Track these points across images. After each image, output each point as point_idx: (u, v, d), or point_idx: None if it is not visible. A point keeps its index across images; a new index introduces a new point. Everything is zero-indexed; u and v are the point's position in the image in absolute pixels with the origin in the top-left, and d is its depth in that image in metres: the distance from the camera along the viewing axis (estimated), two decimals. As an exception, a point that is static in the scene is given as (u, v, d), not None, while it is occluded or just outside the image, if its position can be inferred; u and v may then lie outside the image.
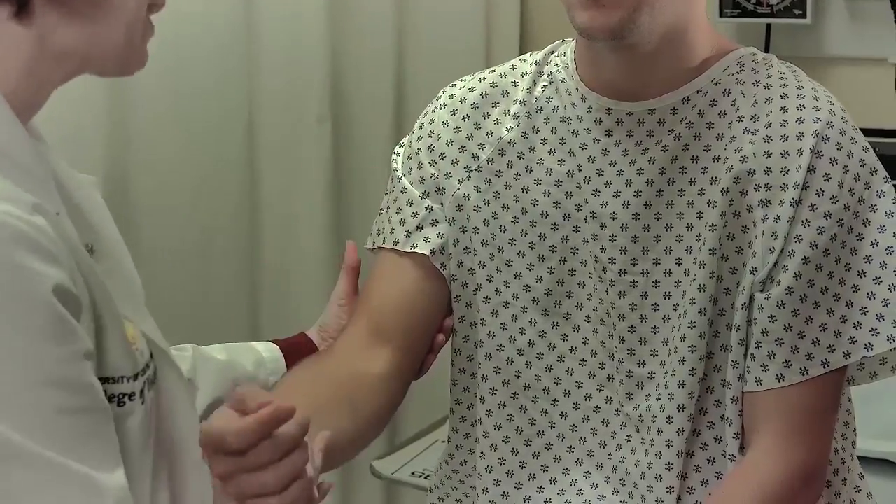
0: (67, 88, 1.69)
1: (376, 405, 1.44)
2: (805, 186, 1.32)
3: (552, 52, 1.48)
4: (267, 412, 1.06)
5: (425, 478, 1.89)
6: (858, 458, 1.49)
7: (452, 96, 1.50)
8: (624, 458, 1.42)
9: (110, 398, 1.02)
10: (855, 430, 1.48)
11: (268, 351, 1.49)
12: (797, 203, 1.32)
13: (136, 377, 1.03)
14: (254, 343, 1.52)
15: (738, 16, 2.32)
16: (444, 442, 1.57)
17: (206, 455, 1.08)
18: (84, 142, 1.80)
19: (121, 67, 1.10)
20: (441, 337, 1.49)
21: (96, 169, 1.80)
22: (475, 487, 1.49)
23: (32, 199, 0.97)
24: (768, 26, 2.31)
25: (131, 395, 1.03)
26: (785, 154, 1.33)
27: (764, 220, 1.33)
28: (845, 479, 1.44)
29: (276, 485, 1.08)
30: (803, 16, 2.27)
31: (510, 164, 1.45)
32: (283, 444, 1.08)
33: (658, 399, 1.39)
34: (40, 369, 0.93)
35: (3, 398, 0.91)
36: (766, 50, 2.29)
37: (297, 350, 1.50)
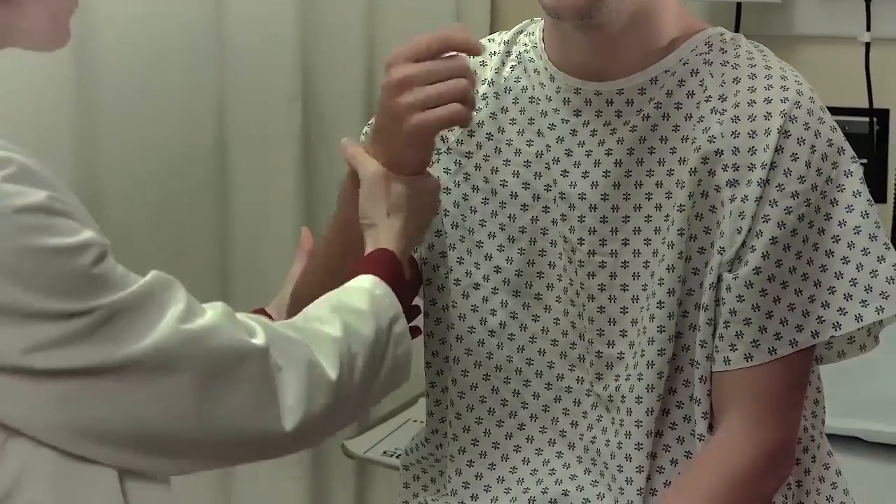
0: (34, 67, 1.69)
1: None
2: (772, 166, 1.32)
3: (520, 32, 1.47)
4: (463, 35, 1.29)
5: (397, 457, 1.89)
6: (827, 435, 1.50)
7: None
8: (595, 437, 1.43)
9: None
10: (824, 408, 1.48)
11: None
12: (765, 183, 1.32)
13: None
14: None
15: (709, -6, 2.33)
16: (415, 421, 1.58)
17: (393, 64, 1.28)
18: (52, 123, 1.79)
19: (44, 44, 1.12)
20: (415, 330, 1.49)
21: (65, 150, 1.79)
22: (448, 468, 1.49)
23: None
24: (738, 5, 2.31)
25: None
26: (752, 134, 1.33)
27: (732, 200, 1.34)
28: (815, 457, 1.45)
29: (460, 91, 1.27)
30: (774, -6, 2.27)
31: (479, 145, 1.45)
32: (459, 64, 1.28)
33: (627, 379, 1.39)
34: (77, 251, 1.02)
35: (66, 283, 1.01)
36: (737, 29, 2.29)
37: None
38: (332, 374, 1.16)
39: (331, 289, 1.28)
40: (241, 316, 1.13)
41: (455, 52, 1.30)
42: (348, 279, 1.28)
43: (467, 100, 1.29)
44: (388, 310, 1.25)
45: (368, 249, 1.31)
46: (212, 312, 1.10)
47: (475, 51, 1.31)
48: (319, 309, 1.22)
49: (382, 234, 1.31)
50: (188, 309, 1.08)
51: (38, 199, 1.00)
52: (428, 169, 1.37)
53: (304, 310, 1.23)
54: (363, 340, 1.20)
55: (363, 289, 1.25)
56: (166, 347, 1.04)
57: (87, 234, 1.03)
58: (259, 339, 1.11)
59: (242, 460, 1.18)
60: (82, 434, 1.03)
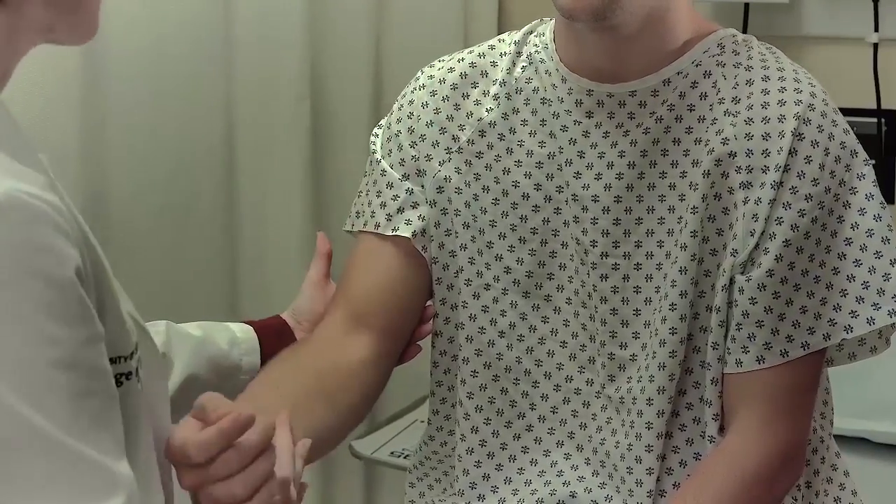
0: (41, 67, 1.69)
1: (357, 392, 1.44)
2: (786, 169, 1.32)
3: (531, 32, 1.47)
4: (227, 422, 1.05)
5: (405, 457, 1.89)
6: (835, 436, 1.50)
7: (431, 77, 1.49)
8: (604, 439, 1.42)
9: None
10: (833, 409, 1.48)
11: (242, 331, 1.49)
12: (778, 185, 1.32)
13: (131, 356, 1.02)
14: (228, 323, 1.51)
15: (716, -5, 2.33)
16: (423, 422, 1.57)
17: (175, 467, 1.08)
18: (58, 122, 1.78)
19: (77, 37, 1.08)
20: (426, 327, 1.49)
21: (72, 150, 1.79)
22: (455, 468, 1.49)
23: (42, 176, 0.95)
24: (746, 6, 2.30)
25: (128, 375, 1.01)
26: (766, 136, 1.33)
27: (745, 203, 1.33)
28: (823, 458, 1.45)
29: (244, 492, 1.07)
30: (781, -5, 2.27)
31: (490, 146, 1.45)
32: (246, 452, 1.07)
33: (639, 381, 1.39)
34: (63, 351, 0.90)
35: (26, 380, 0.88)
36: (744, 30, 2.29)
37: (271, 331, 1.50)
38: None
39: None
40: None
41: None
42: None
43: (261, 485, 1.10)
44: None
45: None
46: None
47: (243, 431, 1.08)
48: None
49: None
50: None
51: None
52: (438, 170, 1.36)
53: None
54: None
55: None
56: None
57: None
58: None
59: None
60: None
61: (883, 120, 2.25)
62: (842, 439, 1.58)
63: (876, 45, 2.24)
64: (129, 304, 1.11)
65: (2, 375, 0.88)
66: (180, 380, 1.39)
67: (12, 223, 0.89)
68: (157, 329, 1.42)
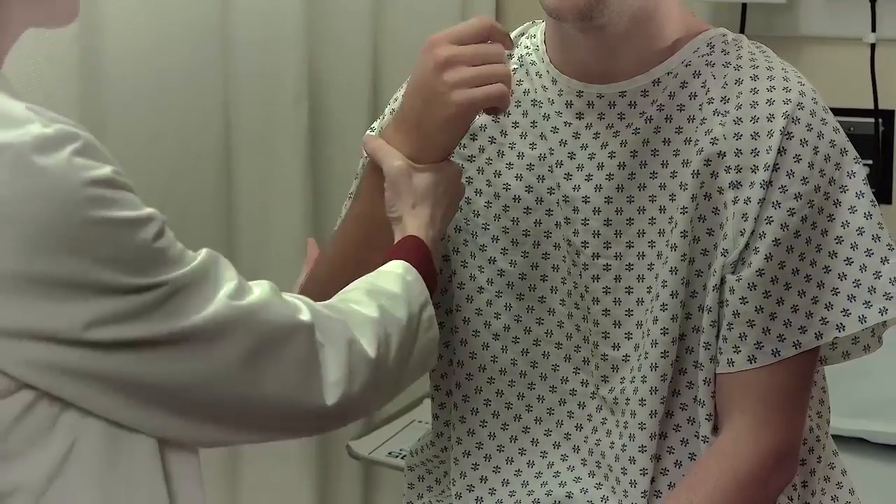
0: (39, 67, 1.70)
1: None
2: (775, 168, 1.32)
3: (522, 35, 1.47)
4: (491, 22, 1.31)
5: (402, 458, 1.90)
6: (833, 436, 1.50)
7: None
8: (599, 440, 1.43)
9: None
10: (829, 409, 1.48)
11: None
12: (767, 185, 1.32)
13: None
14: None
15: (714, -5, 2.33)
16: (420, 422, 1.58)
17: (433, 43, 1.30)
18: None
19: (57, 22, 1.16)
20: None
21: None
22: (452, 471, 1.49)
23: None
24: (744, 6, 2.31)
25: None
26: (755, 135, 1.33)
27: (734, 202, 1.34)
28: (820, 457, 1.45)
29: (501, 73, 1.29)
30: (779, -5, 2.28)
31: (482, 149, 1.45)
32: (503, 51, 1.31)
33: (632, 382, 1.39)
34: (138, 225, 1.04)
35: (126, 257, 1.03)
36: (742, 30, 2.29)
37: None
38: (371, 352, 1.19)
39: (349, 282, 1.30)
40: (285, 295, 1.17)
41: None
42: (372, 270, 1.31)
43: (509, 84, 1.31)
44: (418, 296, 1.28)
45: (397, 239, 1.33)
46: (259, 290, 1.13)
47: (511, 46, 1.35)
48: (355, 292, 1.25)
49: (410, 225, 1.33)
50: (239, 286, 1.10)
51: (105, 172, 1.03)
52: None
53: (340, 292, 1.26)
54: (397, 323, 1.23)
55: (396, 273, 1.28)
56: (220, 321, 1.07)
57: (148, 209, 1.06)
58: (305, 316, 1.14)
59: (284, 432, 1.21)
60: (134, 403, 1.06)
61: (880, 120, 2.25)
62: (839, 439, 1.58)
63: (873, 46, 2.24)
64: None
65: (107, 265, 1.03)
66: None
67: (72, 148, 1.02)
68: None
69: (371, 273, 1.29)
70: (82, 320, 1.02)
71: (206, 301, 1.07)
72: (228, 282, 1.10)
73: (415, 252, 1.31)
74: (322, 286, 1.36)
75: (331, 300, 1.24)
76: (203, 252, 1.11)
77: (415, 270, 1.29)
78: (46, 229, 0.99)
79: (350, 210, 1.45)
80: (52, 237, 1.00)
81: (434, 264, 1.33)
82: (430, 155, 1.33)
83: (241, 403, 1.11)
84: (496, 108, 1.32)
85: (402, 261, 1.30)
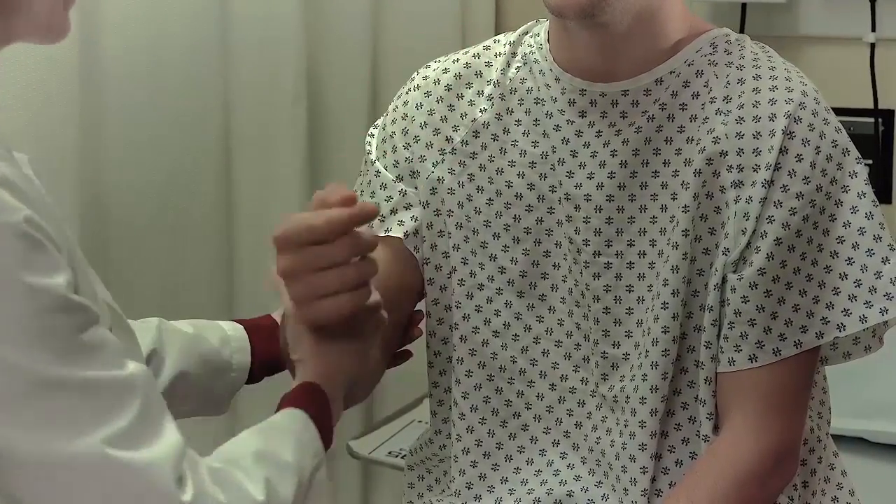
0: (38, 68, 1.70)
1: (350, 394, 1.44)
2: (777, 167, 1.32)
3: (526, 33, 1.48)
4: (357, 207, 1.09)
5: (402, 457, 1.90)
6: (833, 436, 1.50)
7: (426, 78, 1.49)
8: (599, 439, 1.43)
9: None
10: (830, 409, 1.48)
11: (233, 329, 1.49)
12: (769, 184, 1.32)
13: None
14: (219, 321, 1.51)
15: (714, -5, 2.33)
16: (420, 421, 1.58)
17: (278, 249, 1.11)
18: (56, 124, 1.79)
19: (43, 38, 1.10)
20: (414, 331, 1.49)
21: (70, 151, 1.79)
22: (451, 469, 1.49)
23: None
24: (744, 6, 2.31)
25: None
26: (757, 135, 1.34)
27: (736, 201, 1.34)
28: (821, 458, 1.45)
29: (350, 281, 1.11)
30: (779, -5, 2.28)
31: (484, 146, 1.45)
32: (361, 243, 1.11)
33: (632, 380, 1.39)
34: (47, 297, 0.95)
35: (14, 332, 0.93)
36: (742, 29, 2.29)
37: (262, 330, 1.50)
38: None
39: None
40: (193, 454, 1.03)
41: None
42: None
43: (358, 287, 1.16)
44: (312, 459, 1.17)
45: (297, 382, 1.22)
46: (158, 449, 0.99)
47: (369, 218, 1.15)
48: (245, 456, 1.12)
49: (309, 370, 1.22)
50: (132, 432, 0.97)
51: (14, 218, 0.94)
52: (431, 171, 1.36)
53: (230, 450, 1.13)
54: (284, 499, 1.12)
55: (291, 432, 1.16)
56: (81, 465, 0.95)
57: (64, 277, 0.96)
58: (186, 496, 1.00)
59: None
60: None
61: (880, 120, 2.25)
62: (840, 439, 1.59)
63: (873, 45, 2.24)
64: (107, 295, 1.12)
65: None
66: (171, 376, 1.40)
67: None
68: (149, 325, 1.43)
69: (266, 425, 1.16)
70: None
71: (84, 428, 0.95)
72: (122, 420, 0.96)
73: (314, 402, 1.19)
74: None
75: (222, 461, 1.10)
76: (137, 369, 0.99)
77: (313, 427, 1.17)
78: None
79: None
80: None
81: (332, 414, 1.21)
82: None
83: None
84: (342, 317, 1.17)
85: (300, 412, 1.17)
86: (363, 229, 1.13)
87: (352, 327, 1.19)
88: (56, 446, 0.94)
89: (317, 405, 1.19)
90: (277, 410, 1.18)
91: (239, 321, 1.52)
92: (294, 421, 1.17)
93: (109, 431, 0.95)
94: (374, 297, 1.18)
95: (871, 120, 2.25)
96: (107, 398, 0.97)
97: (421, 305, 1.51)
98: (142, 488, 0.97)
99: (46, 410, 0.94)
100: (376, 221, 1.46)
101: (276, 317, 1.55)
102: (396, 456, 1.95)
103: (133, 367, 1.00)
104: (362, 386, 1.30)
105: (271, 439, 1.14)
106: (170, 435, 1.01)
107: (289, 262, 1.13)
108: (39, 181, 1.11)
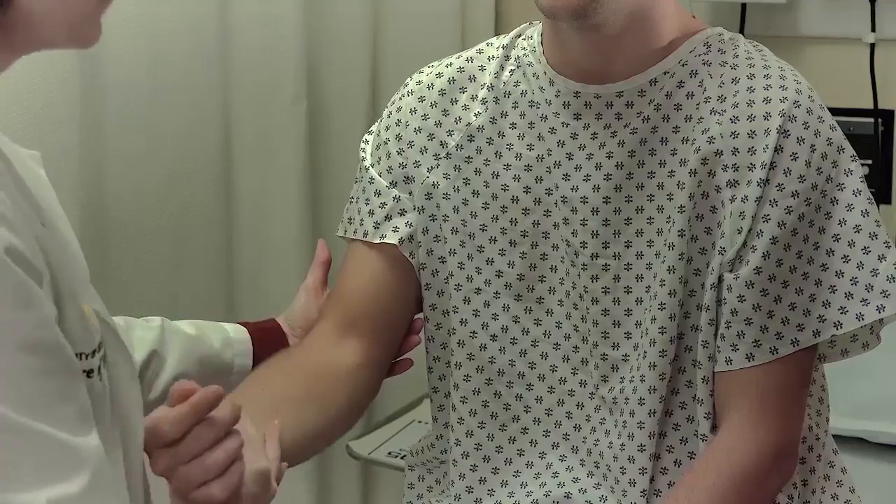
0: (39, 69, 1.70)
1: (346, 397, 1.44)
2: (772, 166, 1.33)
3: (519, 36, 1.47)
4: (197, 398, 1.07)
5: (402, 458, 1.90)
6: (832, 436, 1.50)
7: (420, 83, 1.49)
8: (598, 440, 1.43)
9: None
10: (829, 407, 1.48)
11: (235, 332, 1.50)
12: (764, 183, 1.32)
13: (93, 354, 1.02)
14: (223, 323, 1.52)
15: (713, -5, 2.34)
16: (420, 422, 1.58)
17: (147, 453, 1.09)
18: (57, 125, 1.79)
19: (77, 42, 1.09)
20: (413, 339, 1.50)
21: (70, 152, 1.80)
22: (451, 472, 1.49)
23: None
24: (743, 6, 2.31)
25: (89, 372, 1.01)
26: (752, 134, 1.34)
27: (732, 201, 1.34)
28: (820, 456, 1.45)
29: (215, 468, 1.08)
30: (778, -5, 2.28)
31: (479, 150, 1.45)
32: (217, 425, 1.08)
33: (631, 381, 1.39)
34: (13, 334, 0.90)
35: None
36: (741, 30, 2.29)
37: (265, 334, 1.50)
38: None
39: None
40: None
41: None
42: None
43: (226, 469, 1.11)
44: None
45: None
46: None
47: (213, 403, 1.10)
48: None
49: None
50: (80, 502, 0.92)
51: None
52: (426, 176, 1.36)
53: None
54: None
55: None
56: None
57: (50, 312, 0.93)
58: None
59: None
60: None
61: (880, 120, 2.25)
62: (839, 439, 1.58)
63: (873, 46, 2.24)
64: (99, 303, 1.11)
65: None
66: (170, 377, 1.40)
67: None
68: (152, 324, 1.43)
69: None
70: None
71: (28, 483, 0.89)
72: (67, 488, 0.91)
73: None
74: None
75: None
76: (92, 443, 0.94)
77: None
78: None
79: None
80: None
81: None
82: None
83: None
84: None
85: None
86: (219, 409, 1.09)
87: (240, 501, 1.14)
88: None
89: None
90: None
91: (243, 323, 1.52)
92: None
93: (55, 495, 0.90)
94: (259, 465, 1.13)
95: (871, 120, 2.25)
96: (56, 460, 0.91)
97: (419, 312, 1.51)
98: None
99: None
100: (371, 229, 1.47)
101: (280, 321, 1.55)
102: (396, 456, 1.95)
103: (91, 439, 0.94)
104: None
105: None
106: None
107: (157, 461, 1.09)
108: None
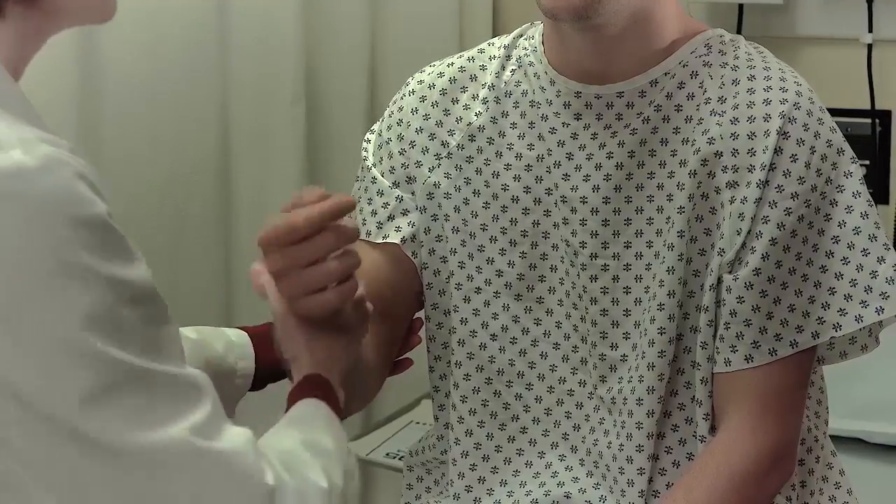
0: (37, 69, 1.70)
1: (349, 394, 1.44)
2: (772, 167, 1.33)
3: (520, 36, 1.48)
4: (333, 200, 1.13)
5: (400, 459, 1.90)
6: (831, 437, 1.50)
7: (421, 82, 1.50)
8: (597, 440, 1.43)
9: None
10: (827, 408, 1.49)
11: (237, 336, 1.49)
12: (764, 184, 1.32)
13: None
14: (223, 328, 1.52)
15: (711, -4, 2.34)
16: (418, 423, 1.58)
17: (264, 251, 1.16)
18: (54, 125, 1.79)
19: (99, 16, 1.14)
20: (414, 339, 1.50)
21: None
22: (450, 471, 1.49)
23: (68, 143, 1.01)
24: (740, 6, 2.31)
25: None
26: (752, 135, 1.34)
27: (731, 202, 1.34)
28: (818, 457, 1.45)
29: (336, 274, 1.15)
30: (775, -4, 2.28)
31: (480, 150, 1.45)
32: (344, 235, 1.14)
33: (629, 382, 1.39)
34: (126, 288, 0.97)
35: (98, 320, 0.95)
36: (739, 30, 2.29)
37: (265, 337, 1.50)
38: None
39: None
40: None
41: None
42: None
43: (343, 281, 1.18)
44: (346, 446, 1.20)
45: (296, 378, 1.23)
46: (235, 438, 1.02)
47: (346, 209, 1.16)
48: (295, 446, 1.14)
49: (305, 363, 1.23)
50: (209, 422, 1.01)
51: (95, 211, 0.97)
52: (428, 176, 1.36)
53: (276, 442, 1.14)
54: (337, 489, 1.15)
55: (320, 421, 1.18)
56: (171, 453, 0.98)
57: (144, 270, 1.00)
58: (269, 479, 1.04)
59: None
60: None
61: (877, 120, 2.25)
62: (837, 440, 1.58)
63: (870, 46, 2.24)
64: None
65: (84, 325, 0.94)
66: None
67: (59, 179, 0.96)
68: None
69: (294, 418, 1.17)
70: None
71: (165, 421, 0.98)
72: (199, 413, 1.00)
73: (321, 390, 1.20)
74: None
75: (281, 453, 1.11)
76: (198, 370, 1.03)
77: (333, 414, 1.19)
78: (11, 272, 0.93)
79: None
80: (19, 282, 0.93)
81: (338, 400, 1.22)
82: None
83: None
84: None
85: (317, 401, 1.19)
86: (344, 221, 1.17)
87: (340, 320, 1.22)
88: (145, 436, 0.96)
89: (324, 392, 1.22)
90: (289, 406, 1.21)
91: (243, 328, 1.52)
92: (318, 409, 1.19)
93: (190, 423, 0.99)
94: (359, 289, 1.22)
95: (869, 121, 2.25)
96: (183, 393, 1.00)
97: (420, 312, 1.51)
98: (230, 475, 1.01)
99: (134, 401, 0.96)
100: (374, 229, 1.47)
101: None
102: (394, 457, 1.95)
103: (194, 369, 1.03)
104: (358, 397, 1.32)
105: (308, 430, 1.16)
106: (238, 428, 1.04)
107: (276, 261, 1.16)
108: None
